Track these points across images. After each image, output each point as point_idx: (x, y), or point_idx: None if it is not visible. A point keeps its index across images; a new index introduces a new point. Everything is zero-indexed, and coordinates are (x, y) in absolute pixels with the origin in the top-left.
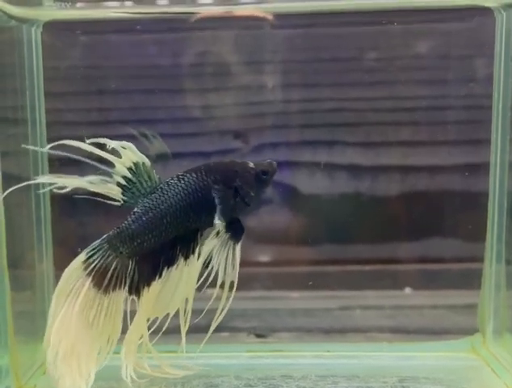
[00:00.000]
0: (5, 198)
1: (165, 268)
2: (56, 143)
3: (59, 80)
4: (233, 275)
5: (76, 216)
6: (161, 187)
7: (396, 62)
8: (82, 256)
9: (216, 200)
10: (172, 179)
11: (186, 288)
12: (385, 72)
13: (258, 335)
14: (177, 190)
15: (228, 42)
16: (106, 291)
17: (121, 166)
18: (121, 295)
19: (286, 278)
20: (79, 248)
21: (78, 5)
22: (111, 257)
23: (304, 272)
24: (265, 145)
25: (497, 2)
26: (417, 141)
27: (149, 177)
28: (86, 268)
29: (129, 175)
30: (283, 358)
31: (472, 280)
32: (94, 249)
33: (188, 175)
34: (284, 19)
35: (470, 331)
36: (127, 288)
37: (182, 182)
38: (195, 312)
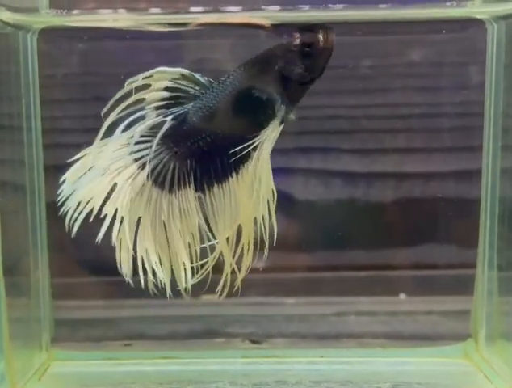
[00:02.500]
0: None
1: (238, 166)
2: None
3: (55, 87)
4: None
5: None
6: (212, 87)
7: (391, 70)
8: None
9: (262, 89)
10: (223, 78)
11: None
12: (380, 80)
13: (253, 341)
14: (225, 86)
15: (224, 50)
16: (171, 191)
17: (153, 95)
18: (189, 194)
19: (281, 284)
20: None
21: (74, 12)
22: (167, 157)
23: (299, 278)
24: None
25: (488, 14)
26: (411, 147)
27: (195, 82)
28: (140, 167)
29: (167, 95)
30: (278, 364)
31: (465, 286)
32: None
33: (238, 69)
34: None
35: (463, 337)
36: (193, 186)
37: (231, 77)
38: (193, 317)
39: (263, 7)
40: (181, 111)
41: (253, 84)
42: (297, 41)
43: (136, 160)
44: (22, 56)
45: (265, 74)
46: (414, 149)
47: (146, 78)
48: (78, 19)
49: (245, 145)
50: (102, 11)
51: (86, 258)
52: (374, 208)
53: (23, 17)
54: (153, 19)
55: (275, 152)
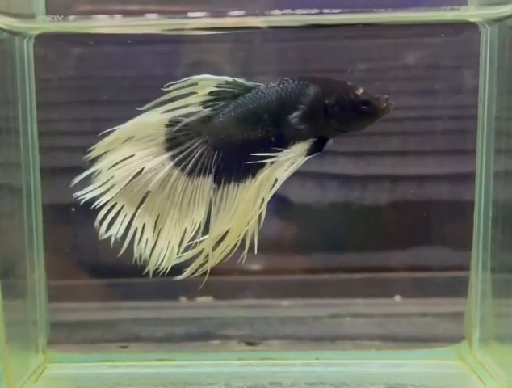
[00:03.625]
0: None
1: (257, 171)
2: None
3: (51, 90)
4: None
5: (68, 224)
6: (259, 88)
7: (386, 74)
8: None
9: (301, 111)
10: (273, 82)
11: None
12: (375, 83)
13: (249, 343)
14: (271, 92)
15: (222, 54)
16: (190, 176)
17: (198, 98)
18: (206, 184)
19: (276, 286)
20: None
21: (70, 18)
22: (196, 143)
23: (295, 281)
24: None
25: (481, 17)
26: (406, 150)
27: (239, 85)
28: (169, 145)
29: (212, 98)
30: (273, 366)
31: (459, 288)
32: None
33: (291, 80)
34: (277, 32)
35: (457, 339)
36: (212, 177)
37: (281, 86)
38: (189, 319)
39: (259, 11)
40: (222, 104)
41: (297, 103)
42: (360, 91)
43: (167, 141)
44: (18, 60)
45: (312, 100)
46: (409, 151)
47: (191, 85)
48: (74, 25)
49: (259, 161)
50: (97, 17)
51: (82, 260)
52: (369, 210)
53: (20, 23)
54: (150, 24)
55: None
